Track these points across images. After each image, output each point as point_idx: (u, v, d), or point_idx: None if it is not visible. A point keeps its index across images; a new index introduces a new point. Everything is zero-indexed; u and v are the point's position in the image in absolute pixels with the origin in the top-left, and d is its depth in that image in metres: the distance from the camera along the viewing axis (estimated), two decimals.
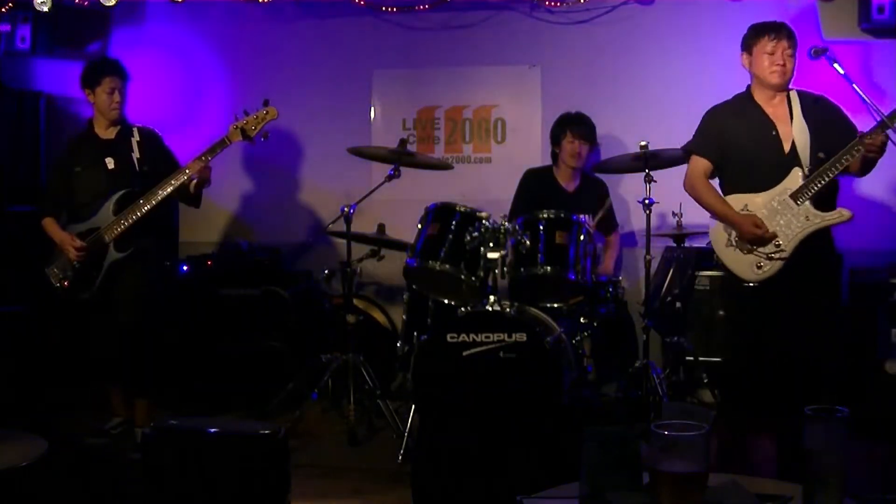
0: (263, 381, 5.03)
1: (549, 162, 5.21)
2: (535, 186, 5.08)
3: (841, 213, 3.64)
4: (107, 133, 4.51)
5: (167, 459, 2.86)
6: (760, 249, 3.66)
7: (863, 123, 3.70)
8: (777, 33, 3.71)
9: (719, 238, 3.78)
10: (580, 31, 5.63)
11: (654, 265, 4.84)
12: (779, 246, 3.64)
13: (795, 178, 3.65)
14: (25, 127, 5.78)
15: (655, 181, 4.53)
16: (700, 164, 3.86)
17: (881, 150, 3.50)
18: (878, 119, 3.47)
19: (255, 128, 4.34)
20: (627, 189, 5.40)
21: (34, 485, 2.68)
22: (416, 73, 5.88)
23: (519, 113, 5.78)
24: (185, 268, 5.40)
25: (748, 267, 3.69)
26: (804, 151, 3.67)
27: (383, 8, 5.65)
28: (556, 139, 5.09)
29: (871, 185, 4.93)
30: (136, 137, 4.48)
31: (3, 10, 5.58)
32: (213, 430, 2.90)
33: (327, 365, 4.77)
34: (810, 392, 3.54)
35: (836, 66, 3.58)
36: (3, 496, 2.58)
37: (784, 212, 3.65)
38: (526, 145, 5.71)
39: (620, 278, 4.90)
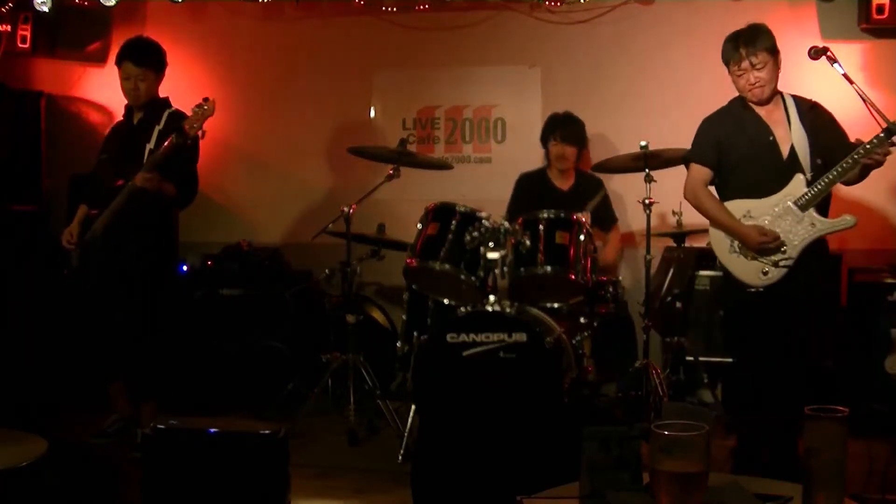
0: (263, 381, 5.03)
1: None
2: (530, 189, 5.10)
3: (846, 220, 3.59)
4: (136, 119, 4.41)
5: (167, 459, 2.86)
6: (766, 257, 3.63)
7: (862, 124, 3.68)
8: (746, 47, 3.58)
9: (721, 245, 3.73)
10: (580, 31, 5.63)
11: (654, 265, 4.85)
12: (784, 252, 3.61)
13: (798, 183, 3.60)
14: (25, 127, 5.78)
15: (655, 181, 4.53)
16: (700, 172, 3.80)
17: (884, 158, 3.47)
18: (884, 127, 3.40)
19: (195, 125, 4.00)
20: (627, 189, 5.39)
21: (34, 485, 2.68)
22: (416, 73, 5.88)
23: (519, 113, 5.78)
24: (185, 268, 5.39)
25: (754, 273, 3.64)
26: (804, 157, 3.62)
27: (383, 8, 5.65)
28: (544, 142, 5.12)
29: (869, 186, 4.87)
30: (160, 125, 4.27)
31: (3, 10, 5.58)
32: (213, 430, 2.90)
33: (327, 365, 4.77)
34: (809, 392, 3.53)
35: (836, 66, 3.56)
36: (3, 496, 2.58)
37: (787, 217, 3.61)
38: (526, 145, 5.70)
39: (620, 278, 4.90)
